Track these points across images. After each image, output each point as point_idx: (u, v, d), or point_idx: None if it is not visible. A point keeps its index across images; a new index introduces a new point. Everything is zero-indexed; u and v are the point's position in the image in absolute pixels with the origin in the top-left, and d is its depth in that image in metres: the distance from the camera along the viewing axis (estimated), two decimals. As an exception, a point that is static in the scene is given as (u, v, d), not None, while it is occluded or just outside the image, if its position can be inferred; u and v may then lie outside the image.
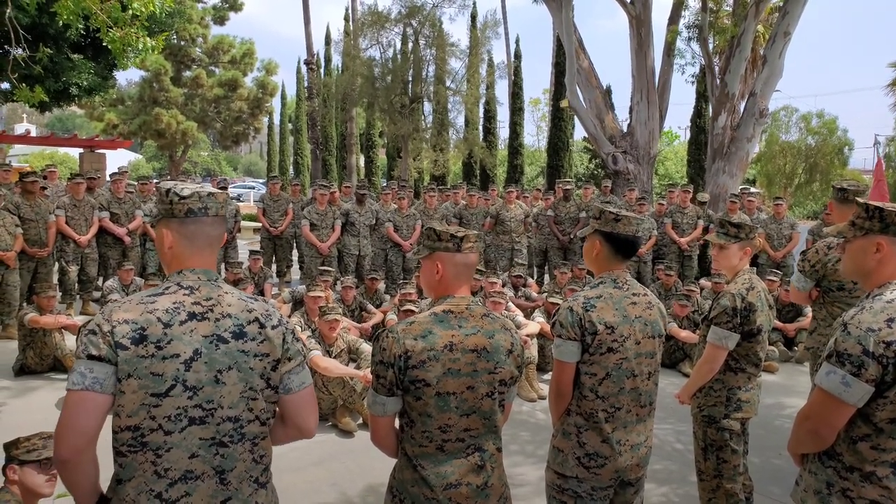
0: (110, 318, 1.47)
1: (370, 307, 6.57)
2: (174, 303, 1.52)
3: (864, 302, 1.82)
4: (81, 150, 15.33)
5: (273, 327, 1.61)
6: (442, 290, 1.88)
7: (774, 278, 7.07)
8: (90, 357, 1.44)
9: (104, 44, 4.70)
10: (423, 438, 1.78)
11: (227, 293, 1.60)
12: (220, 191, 1.67)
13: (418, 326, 1.78)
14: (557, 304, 5.79)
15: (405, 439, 1.82)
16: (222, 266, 8.49)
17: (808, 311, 6.87)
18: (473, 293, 6.66)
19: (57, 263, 7.43)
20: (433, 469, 1.77)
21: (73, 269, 7.42)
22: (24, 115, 42.68)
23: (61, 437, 1.44)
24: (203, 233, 1.61)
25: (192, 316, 1.52)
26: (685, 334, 6.09)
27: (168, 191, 1.61)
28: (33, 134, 22.48)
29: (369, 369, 2.06)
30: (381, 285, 7.10)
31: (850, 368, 1.69)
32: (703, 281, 7.99)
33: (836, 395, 1.72)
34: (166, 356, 1.47)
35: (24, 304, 6.67)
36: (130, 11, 4.37)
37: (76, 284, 7.52)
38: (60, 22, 4.45)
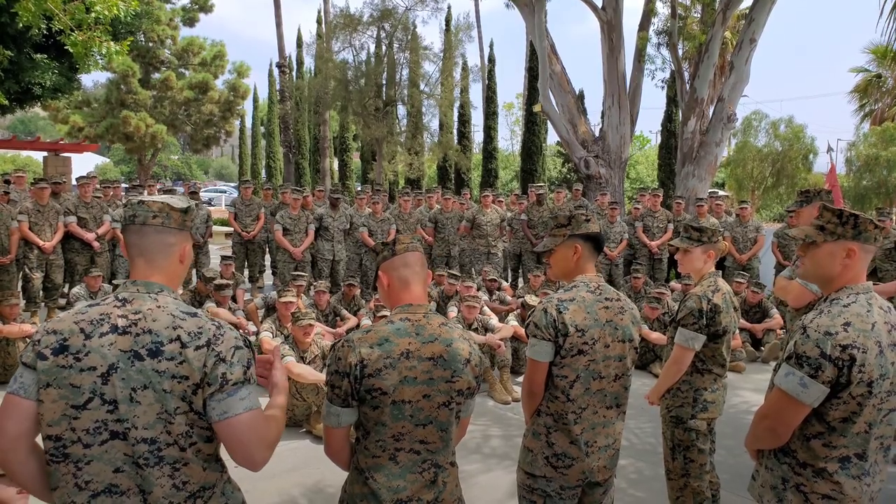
0: (45, 328, 1.50)
1: (344, 312, 6.53)
2: (101, 314, 1.50)
3: (822, 305, 1.87)
4: (45, 154, 14.98)
5: (196, 348, 1.48)
6: (395, 299, 1.87)
7: (742, 280, 7.23)
8: (23, 363, 1.50)
9: (66, 47, 4.59)
10: (376, 448, 1.75)
11: (160, 307, 1.52)
12: (159, 199, 1.61)
13: (374, 335, 1.75)
14: (532, 305, 5.83)
15: (359, 451, 1.79)
16: (193, 272, 8.38)
17: (776, 312, 7.03)
18: (449, 297, 6.67)
19: (20, 270, 7.24)
20: (386, 483, 1.73)
21: (38, 276, 7.24)
22: (-15, 118, 41.46)
23: None
24: (131, 243, 1.59)
25: (114, 329, 1.48)
26: (655, 336, 6.19)
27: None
28: (-5, 137, 21.88)
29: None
30: (358, 291, 7.06)
31: (808, 370, 1.74)
32: (673, 283, 8.12)
33: (793, 396, 1.78)
34: (83, 368, 1.46)
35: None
36: (93, 14, 4.27)
37: (41, 292, 7.34)
38: (20, 24, 4.34)
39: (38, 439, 1.52)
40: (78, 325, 1.48)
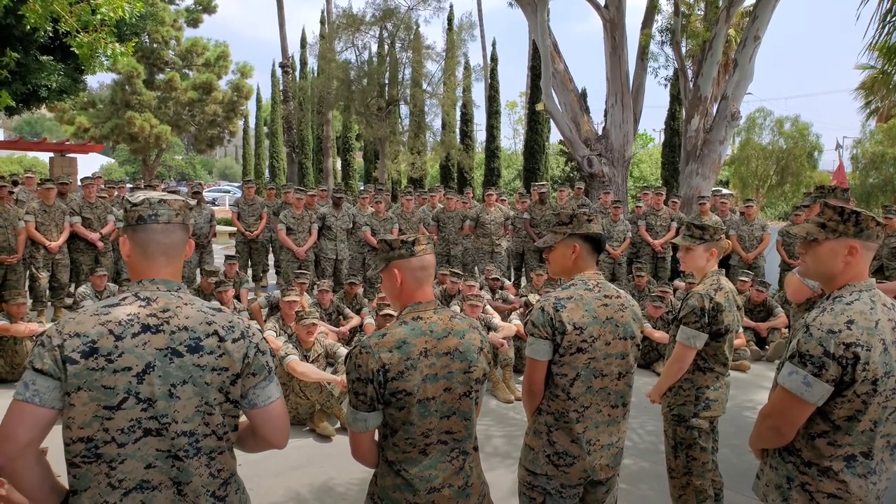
0: (62, 331, 1.46)
1: (348, 311, 6.55)
2: (128, 315, 1.49)
3: (824, 303, 1.85)
4: (51, 155, 15.07)
5: (234, 340, 1.56)
6: (406, 298, 1.89)
7: (746, 279, 7.21)
8: (34, 369, 1.45)
9: (72, 49, 4.63)
10: (405, 445, 1.78)
11: (186, 304, 1.56)
12: (177, 197, 1.63)
13: (391, 338, 1.77)
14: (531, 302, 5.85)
15: (386, 447, 1.82)
16: (197, 271, 8.42)
17: (780, 311, 7.02)
18: (451, 296, 6.68)
19: (27, 270, 7.29)
20: (418, 473, 1.78)
21: (44, 276, 7.28)
22: (-9, 119, 41.62)
23: None
24: (154, 241, 1.58)
25: (145, 328, 1.49)
26: (659, 335, 6.18)
27: (124, 198, 1.62)
28: (0, 138, 22.00)
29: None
30: (360, 290, 7.09)
31: (812, 369, 1.74)
32: (677, 282, 8.12)
33: (797, 395, 1.77)
34: (117, 369, 1.46)
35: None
36: (99, 16, 4.30)
37: (47, 291, 7.39)
38: (27, 26, 4.38)
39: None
40: (105, 328, 1.47)
